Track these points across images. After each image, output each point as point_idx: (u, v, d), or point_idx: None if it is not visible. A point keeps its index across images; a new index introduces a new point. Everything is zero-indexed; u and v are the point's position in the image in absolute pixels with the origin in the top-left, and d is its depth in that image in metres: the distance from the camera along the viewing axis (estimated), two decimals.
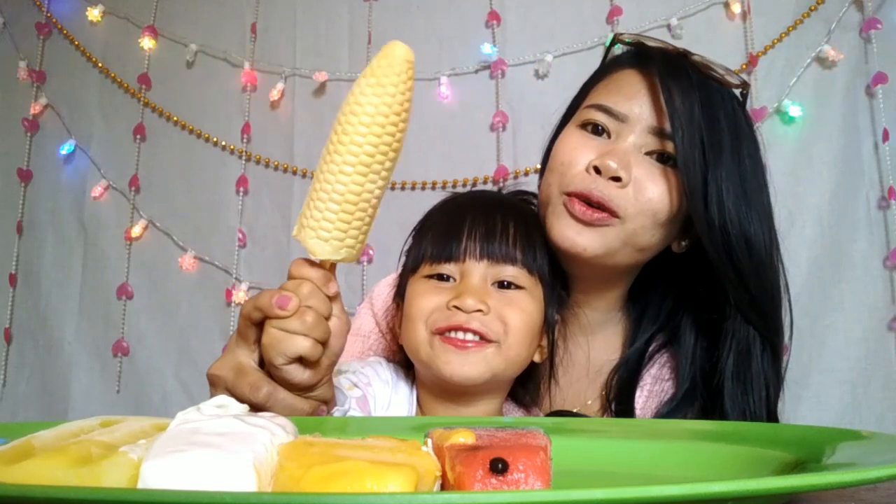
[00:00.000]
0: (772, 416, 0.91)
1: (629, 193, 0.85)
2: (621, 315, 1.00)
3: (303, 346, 0.63)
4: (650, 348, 0.97)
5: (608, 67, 0.94)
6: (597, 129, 0.88)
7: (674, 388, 0.94)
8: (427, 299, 0.85)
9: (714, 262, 0.86)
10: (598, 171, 0.85)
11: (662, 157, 0.87)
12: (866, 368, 1.74)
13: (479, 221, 0.86)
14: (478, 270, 0.84)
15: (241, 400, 0.65)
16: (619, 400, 0.93)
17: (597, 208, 0.85)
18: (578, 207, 0.85)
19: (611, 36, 1.02)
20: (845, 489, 0.46)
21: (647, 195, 0.85)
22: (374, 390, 0.87)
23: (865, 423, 1.71)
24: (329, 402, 0.71)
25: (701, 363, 0.93)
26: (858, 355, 1.75)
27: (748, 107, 0.92)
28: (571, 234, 0.86)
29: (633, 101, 0.87)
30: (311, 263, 0.65)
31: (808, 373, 1.74)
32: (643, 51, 0.91)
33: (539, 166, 1.01)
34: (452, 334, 0.82)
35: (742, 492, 0.31)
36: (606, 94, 0.90)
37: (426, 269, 0.87)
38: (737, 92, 0.91)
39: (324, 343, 0.65)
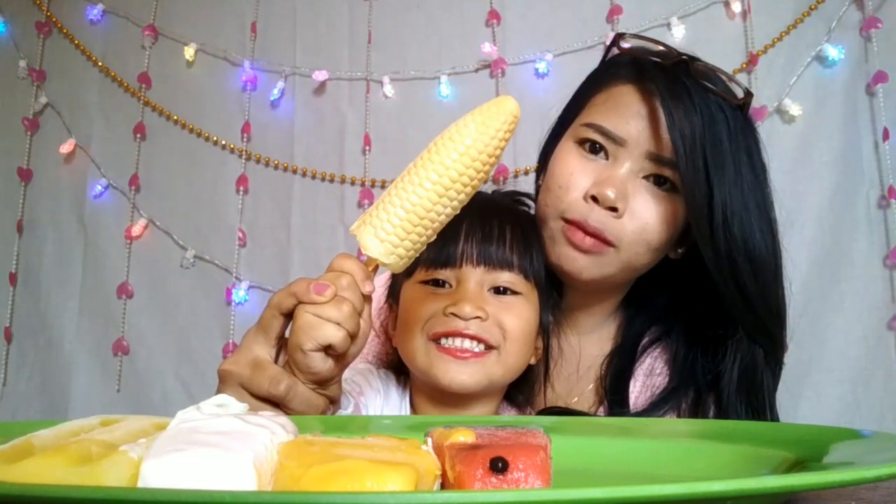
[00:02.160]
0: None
1: (625, 223, 0.85)
2: (615, 316, 1.00)
3: (335, 334, 0.64)
4: (643, 342, 0.97)
5: (606, 80, 0.92)
6: (594, 148, 0.88)
7: (666, 382, 0.94)
8: (424, 306, 0.84)
9: (720, 287, 0.86)
10: (595, 199, 0.85)
11: (659, 180, 0.86)
12: (866, 367, 1.74)
13: (476, 226, 0.86)
14: (474, 276, 0.84)
15: (257, 395, 0.66)
16: (613, 390, 0.93)
17: (592, 236, 0.85)
18: (576, 236, 0.86)
19: (611, 36, 1.01)
20: (845, 488, 0.46)
21: (643, 225, 0.85)
22: (366, 399, 0.87)
23: (865, 421, 1.71)
24: (336, 402, 0.71)
25: (699, 362, 0.92)
26: (858, 354, 1.75)
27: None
28: (568, 260, 0.87)
29: (632, 123, 0.86)
30: (356, 259, 0.67)
31: (808, 372, 1.74)
32: (642, 66, 0.89)
33: (538, 165, 1.00)
34: (450, 341, 0.82)
35: (742, 491, 0.31)
36: (605, 112, 0.88)
37: (421, 275, 0.86)
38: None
39: (353, 337, 0.66)
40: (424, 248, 0.66)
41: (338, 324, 0.64)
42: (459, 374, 0.82)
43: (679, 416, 0.91)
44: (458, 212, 0.65)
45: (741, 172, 0.85)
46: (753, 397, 0.88)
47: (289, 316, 0.67)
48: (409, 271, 0.87)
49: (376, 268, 0.67)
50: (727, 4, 1.87)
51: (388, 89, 1.98)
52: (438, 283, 0.86)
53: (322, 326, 0.64)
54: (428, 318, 0.84)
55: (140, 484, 0.35)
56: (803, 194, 1.79)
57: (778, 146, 1.80)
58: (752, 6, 1.84)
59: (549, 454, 0.39)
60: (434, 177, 0.62)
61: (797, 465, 0.46)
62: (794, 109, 1.80)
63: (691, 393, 0.91)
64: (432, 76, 1.96)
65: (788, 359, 1.79)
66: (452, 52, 1.97)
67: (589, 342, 0.98)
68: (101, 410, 1.05)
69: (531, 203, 0.97)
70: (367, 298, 0.67)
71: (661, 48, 0.90)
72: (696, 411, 0.91)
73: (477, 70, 1.96)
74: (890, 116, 1.77)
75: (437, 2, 2.00)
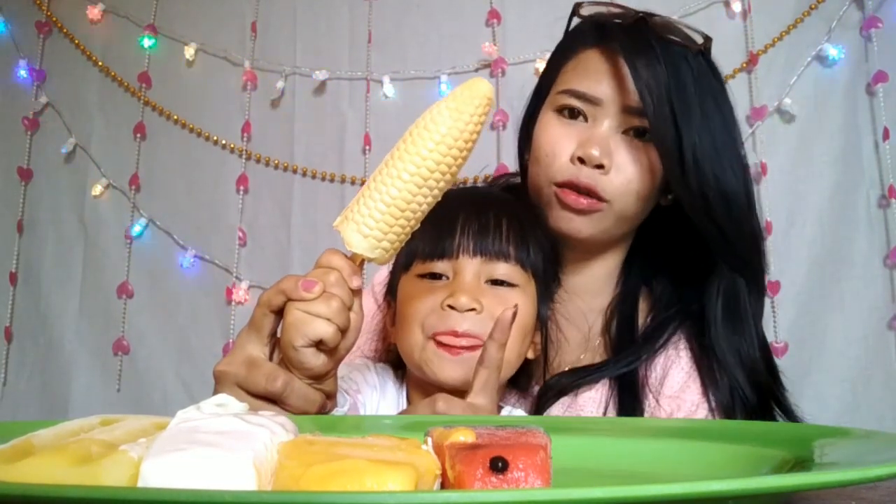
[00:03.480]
0: (765, 351, 0.94)
1: (612, 178, 0.89)
2: (616, 276, 1.02)
3: (325, 330, 0.64)
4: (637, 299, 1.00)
5: (572, 48, 0.97)
6: (573, 113, 0.92)
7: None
8: (422, 301, 0.84)
9: (696, 222, 0.90)
10: (581, 160, 0.88)
11: (639, 132, 0.90)
12: (866, 367, 1.75)
13: (472, 218, 0.86)
14: (471, 267, 0.84)
15: (254, 393, 0.66)
16: (619, 335, 0.97)
17: (585, 195, 0.89)
18: (570, 198, 0.89)
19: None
20: (845, 488, 0.46)
21: (629, 177, 0.89)
22: (364, 397, 0.87)
23: (865, 421, 1.71)
24: (333, 397, 0.71)
25: (685, 295, 0.96)
26: (858, 354, 1.75)
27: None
28: (566, 222, 0.91)
29: (603, 82, 0.90)
30: (342, 255, 0.67)
31: (808, 372, 1.74)
32: (604, 28, 0.94)
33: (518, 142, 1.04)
34: (447, 339, 0.82)
35: (742, 491, 0.31)
36: (576, 77, 0.93)
37: (418, 268, 0.86)
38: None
39: (343, 332, 0.66)
40: (409, 237, 0.66)
41: (327, 319, 0.64)
42: (454, 370, 0.82)
43: (687, 340, 0.94)
44: (439, 199, 0.65)
45: (708, 115, 0.89)
46: (738, 323, 0.92)
47: (279, 313, 0.67)
48: (406, 265, 0.87)
49: (363, 263, 0.67)
50: (727, 4, 1.87)
51: (389, 89, 1.98)
52: (435, 276, 0.86)
53: (312, 322, 0.64)
54: (426, 315, 0.84)
55: (140, 483, 0.35)
56: (803, 194, 1.79)
57: (778, 146, 1.80)
58: (753, 6, 1.84)
59: (549, 454, 0.39)
60: (412, 168, 0.62)
61: (797, 465, 0.46)
62: (794, 109, 1.80)
63: (686, 326, 0.95)
64: (432, 76, 1.96)
65: (788, 359, 1.79)
66: (452, 52, 1.97)
67: (593, 305, 1.00)
68: (101, 410, 1.05)
69: (522, 189, 0.99)
70: (355, 293, 0.67)
71: (618, 10, 0.95)
72: (701, 337, 0.93)
73: (477, 70, 1.96)
74: (890, 116, 1.77)
75: (437, 2, 2.00)
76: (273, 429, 0.40)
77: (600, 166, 0.88)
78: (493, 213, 0.87)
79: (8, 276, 2.11)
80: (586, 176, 0.88)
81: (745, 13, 1.85)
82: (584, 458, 0.53)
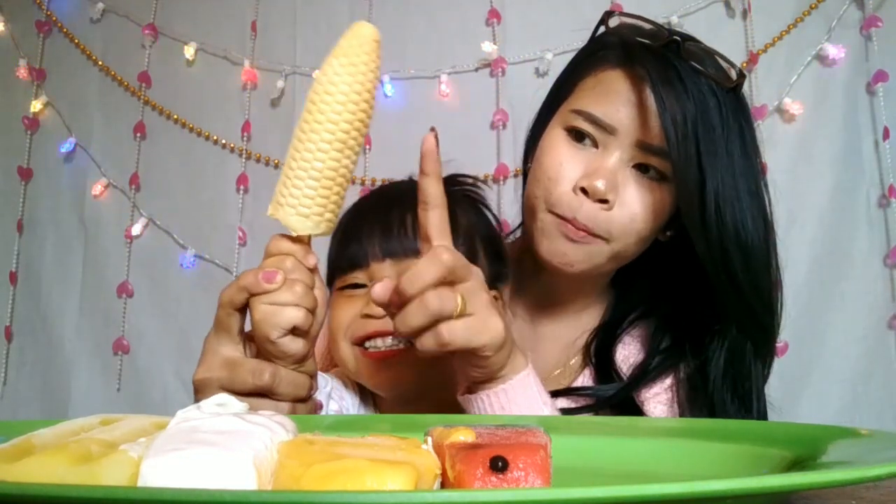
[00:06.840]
0: (762, 418, 0.90)
1: (614, 215, 0.84)
2: (602, 298, 1.00)
3: (296, 315, 0.64)
4: (623, 324, 0.97)
5: (594, 63, 0.90)
6: (582, 136, 0.86)
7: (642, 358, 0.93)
8: (343, 312, 0.83)
9: (709, 272, 0.84)
10: (584, 191, 0.83)
11: (648, 169, 0.85)
12: (866, 366, 1.74)
13: (376, 222, 0.84)
14: (383, 272, 0.81)
15: (241, 391, 0.66)
16: (598, 356, 0.93)
17: (582, 231, 0.84)
18: (568, 228, 0.85)
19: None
20: (845, 488, 0.46)
21: (632, 215, 0.84)
22: (347, 403, 0.87)
23: (865, 421, 1.71)
24: (314, 377, 0.71)
25: (686, 345, 0.91)
26: (858, 353, 1.75)
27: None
28: (560, 253, 0.86)
29: (622, 110, 0.84)
30: (290, 238, 0.66)
31: (808, 371, 1.74)
32: (631, 49, 0.86)
33: (525, 148, 1.00)
34: (372, 342, 0.81)
35: (742, 490, 0.31)
36: (594, 99, 0.86)
37: (339, 283, 0.86)
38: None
39: (312, 311, 0.66)
40: (345, 199, 0.66)
41: (296, 304, 0.64)
42: (386, 375, 0.81)
43: (677, 383, 0.90)
44: (361, 146, 0.65)
45: (733, 157, 0.83)
46: (740, 385, 0.87)
47: (243, 310, 0.67)
48: (329, 281, 0.86)
49: (310, 238, 0.67)
50: (727, 3, 1.86)
51: (389, 88, 1.98)
52: (357, 286, 0.84)
53: (282, 312, 0.64)
54: (347, 325, 0.83)
55: (140, 483, 0.35)
56: (803, 193, 1.79)
57: (778, 145, 1.80)
58: (753, 5, 1.84)
59: (549, 453, 0.39)
60: (328, 136, 0.61)
61: (797, 465, 0.46)
62: (795, 108, 1.80)
63: (682, 366, 0.90)
64: (432, 75, 1.96)
65: (788, 359, 1.79)
66: (452, 52, 1.97)
67: (574, 324, 0.98)
68: (101, 409, 1.05)
69: (471, 185, 0.94)
70: (313, 270, 0.67)
71: (650, 27, 0.88)
72: (695, 380, 0.89)
73: (477, 69, 1.96)
74: (890, 115, 1.77)
75: (437, 1, 2.00)
76: (273, 428, 0.40)
77: (604, 201, 0.83)
78: (396, 212, 0.83)
79: (8, 275, 2.11)
80: (585, 215, 0.83)
81: (744, 12, 1.85)
82: (584, 458, 0.53)
